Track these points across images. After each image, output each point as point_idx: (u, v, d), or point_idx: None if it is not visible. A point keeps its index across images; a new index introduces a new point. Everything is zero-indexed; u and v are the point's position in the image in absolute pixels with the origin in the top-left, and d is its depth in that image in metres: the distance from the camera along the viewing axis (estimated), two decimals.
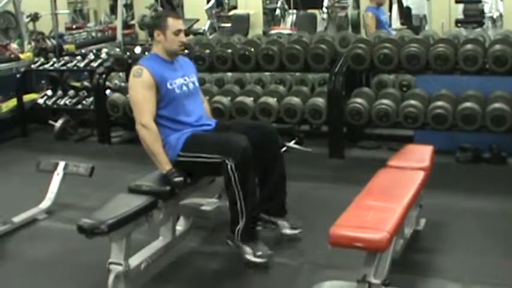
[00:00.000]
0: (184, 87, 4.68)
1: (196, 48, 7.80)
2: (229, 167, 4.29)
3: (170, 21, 4.63)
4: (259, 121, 5.03)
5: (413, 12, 11.59)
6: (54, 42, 11.05)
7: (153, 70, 4.53)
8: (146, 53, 7.34)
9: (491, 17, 11.65)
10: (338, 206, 3.98)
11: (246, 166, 4.34)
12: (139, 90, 4.52)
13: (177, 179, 4.40)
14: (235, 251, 4.47)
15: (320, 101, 7.08)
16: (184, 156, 4.52)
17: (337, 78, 7.01)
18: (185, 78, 4.73)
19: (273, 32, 12.14)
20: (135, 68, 4.60)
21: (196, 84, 4.88)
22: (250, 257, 4.40)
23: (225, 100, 7.40)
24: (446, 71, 6.65)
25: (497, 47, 6.41)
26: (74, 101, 8.91)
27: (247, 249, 4.41)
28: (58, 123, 8.80)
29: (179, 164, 4.52)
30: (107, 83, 8.60)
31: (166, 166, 4.45)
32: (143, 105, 4.50)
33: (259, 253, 4.40)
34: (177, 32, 4.64)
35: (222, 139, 4.48)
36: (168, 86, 4.57)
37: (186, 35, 11.31)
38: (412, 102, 6.73)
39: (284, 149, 4.88)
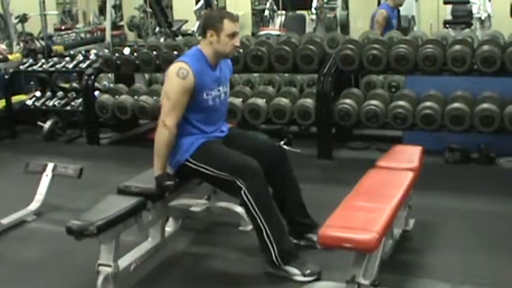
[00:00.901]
0: (217, 99, 4.54)
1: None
2: (242, 192, 4.21)
3: (226, 23, 4.38)
4: (268, 144, 4.86)
5: (402, 13, 11.54)
6: (42, 43, 10.99)
7: (197, 74, 4.34)
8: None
9: (480, 18, 11.67)
10: (327, 207, 3.98)
11: (260, 189, 4.25)
12: (178, 93, 4.32)
13: (168, 182, 4.36)
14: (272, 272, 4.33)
15: (309, 101, 7.08)
16: (193, 163, 4.43)
17: (326, 79, 7.01)
18: (220, 88, 4.57)
19: (261, 33, 12.15)
20: (181, 66, 4.37)
21: (228, 92, 4.74)
22: (299, 278, 4.22)
23: None
24: (434, 72, 6.67)
25: (486, 47, 6.43)
26: (62, 102, 8.88)
27: (294, 270, 4.24)
28: (47, 125, 8.77)
29: (185, 168, 4.47)
30: (96, 84, 8.57)
31: (161, 170, 4.38)
32: (175, 108, 4.33)
33: (308, 271, 4.23)
34: (232, 35, 4.41)
35: (233, 158, 4.36)
36: (204, 95, 4.43)
37: (176, 36, 11.29)
38: (401, 103, 6.75)
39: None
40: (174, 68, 4.39)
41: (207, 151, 4.44)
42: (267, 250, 4.27)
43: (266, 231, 4.22)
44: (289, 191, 4.65)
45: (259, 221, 4.22)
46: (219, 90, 4.57)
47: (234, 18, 4.50)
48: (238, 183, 4.22)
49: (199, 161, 4.41)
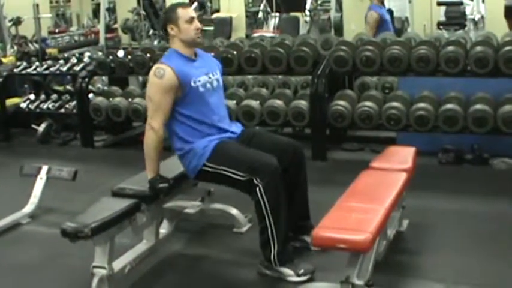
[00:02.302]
0: (208, 85, 4.53)
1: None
2: (257, 189, 4.18)
3: (180, 11, 4.46)
4: (286, 139, 4.86)
5: (396, 14, 11.62)
6: (36, 46, 10.99)
7: (176, 68, 4.38)
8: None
9: (473, 19, 11.71)
10: (321, 208, 4.00)
11: (276, 189, 4.23)
12: (158, 93, 4.36)
13: (161, 185, 4.38)
14: (267, 274, 4.34)
15: (303, 103, 7.09)
16: (210, 167, 4.40)
17: (320, 80, 7.02)
18: (209, 75, 4.57)
19: (255, 35, 12.18)
20: (157, 66, 4.42)
21: (220, 82, 4.71)
22: (293, 278, 4.23)
23: None
24: (428, 73, 6.67)
25: (479, 48, 6.44)
26: (56, 105, 8.86)
27: (288, 271, 4.26)
28: (41, 128, 8.77)
29: (203, 173, 4.46)
30: (90, 87, 8.57)
31: (152, 173, 4.39)
32: (158, 109, 4.36)
33: (301, 271, 4.25)
34: (189, 20, 4.46)
35: (251, 156, 4.34)
36: (192, 84, 4.42)
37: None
38: (395, 104, 6.76)
39: None
40: (151, 71, 4.46)
41: (223, 151, 4.42)
42: (267, 248, 4.28)
43: (272, 230, 4.22)
44: (299, 192, 4.65)
45: (267, 219, 4.21)
46: (209, 77, 4.56)
47: (186, 5, 4.64)
48: (256, 181, 4.19)
49: (216, 163, 4.38)
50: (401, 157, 4.91)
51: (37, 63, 9.32)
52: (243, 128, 4.81)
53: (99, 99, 8.15)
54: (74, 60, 9.07)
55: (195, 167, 4.46)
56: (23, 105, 9.07)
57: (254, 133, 4.80)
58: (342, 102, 6.96)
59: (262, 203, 4.20)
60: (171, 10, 4.55)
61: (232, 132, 4.65)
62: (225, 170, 4.34)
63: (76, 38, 14.87)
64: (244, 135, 4.70)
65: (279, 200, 4.25)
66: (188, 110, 4.46)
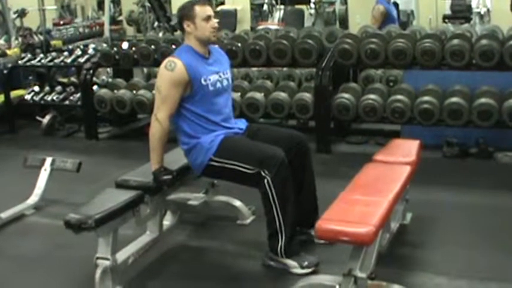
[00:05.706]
0: (219, 84, 4.53)
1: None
2: (265, 181, 4.18)
3: (197, 8, 4.43)
4: (291, 131, 4.85)
5: (401, 7, 11.61)
6: (41, 38, 11.00)
7: (187, 64, 4.38)
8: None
9: (479, 13, 11.69)
10: (325, 201, 4.01)
11: (284, 181, 4.23)
12: (167, 85, 4.36)
13: (165, 177, 4.38)
14: (271, 265, 4.36)
15: (307, 96, 7.09)
16: (217, 161, 4.40)
17: (324, 73, 7.02)
18: (220, 74, 4.57)
19: (260, 27, 12.15)
20: (169, 59, 4.42)
21: (230, 81, 4.73)
22: (297, 270, 4.24)
23: None
24: (433, 66, 6.67)
25: (484, 41, 6.43)
26: (61, 96, 8.88)
27: (293, 263, 4.27)
28: (45, 119, 8.79)
29: (210, 168, 4.46)
30: (94, 79, 8.58)
31: (156, 165, 4.39)
32: (165, 101, 4.37)
33: (306, 263, 4.26)
34: (206, 18, 4.46)
35: (258, 149, 4.34)
36: (202, 81, 4.43)
37: (174, 30, 11.28)
38: (399, 97, 6.75)
39: None
40: (163, 63, 4.46)
41: (229, 145, 4.42)
42: (274, 240, 4.29)
43: (279, 222, 4.23)
44: (306, 184, 4.64)
45: (275, 211, 4.22)
46: (220, 76, 4.56)
47: (204, 2, 4.54)
48: (263, 173, 4.19)
49: (223, 157, 4.38)
50: (406, 150, 4.90)
51: (42, 55, 9.34)
52: (248, 124, 4.81)
53: (104, 91, 8.16)
54: (78, 52, 9.09)
55: (201, 162, 4.46)
56: (28, 97, 9.09)
57: (258, 127, 4.81)
58: (346, 95, 6.96)
59: (269, 194, 4.20)
60: (188, 7, 4.50)
61: (239, 129, 4.66)
62: (232, 164, 4.33)
63: (81, 29, 14.85)
64: (249, 130, 4.70)
65: (286, 192, 4.25)
66: (195, 107, 4.46)
